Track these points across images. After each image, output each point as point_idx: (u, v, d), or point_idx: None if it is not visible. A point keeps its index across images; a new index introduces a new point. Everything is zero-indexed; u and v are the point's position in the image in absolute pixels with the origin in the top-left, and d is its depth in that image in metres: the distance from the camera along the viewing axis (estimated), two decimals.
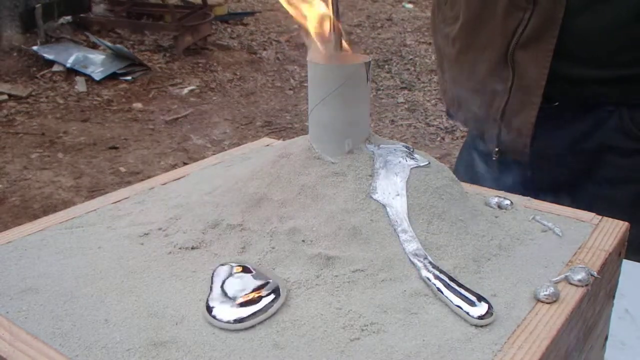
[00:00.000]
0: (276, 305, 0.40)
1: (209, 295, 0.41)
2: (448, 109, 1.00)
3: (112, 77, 4.11)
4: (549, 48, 0.78)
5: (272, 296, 0.41)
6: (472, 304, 0.41)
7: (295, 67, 4.43)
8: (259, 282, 0.42)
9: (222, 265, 0.44)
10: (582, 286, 0.44)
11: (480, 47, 0.85)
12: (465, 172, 0.98)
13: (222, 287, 0.42)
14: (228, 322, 0.39)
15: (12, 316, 0.41)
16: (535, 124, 0.82)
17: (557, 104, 0.83)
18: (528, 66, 0.80)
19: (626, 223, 0.53)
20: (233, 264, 0.44)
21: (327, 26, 0.48)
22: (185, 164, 2.44)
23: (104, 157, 3.05)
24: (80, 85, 3.98)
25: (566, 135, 0.85)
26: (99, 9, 5.23)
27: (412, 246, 0.45)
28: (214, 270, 0.44)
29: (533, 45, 0.79)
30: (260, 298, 0.40)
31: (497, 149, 0.89)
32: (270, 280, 0.42)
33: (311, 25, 0.49)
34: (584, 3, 0.76)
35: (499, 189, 0.60)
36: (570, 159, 0.86)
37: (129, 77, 4.13)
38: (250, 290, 0.41)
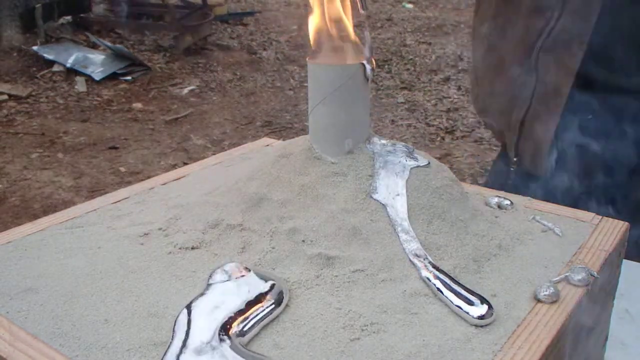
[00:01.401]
0: (277, 312, 0.40)
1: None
2: (478, 114, 0.94)
3: (112, 77, 4.11)
4: (578, 53, 0.71)
5: (273, 306, 0.41)
6: (472, 304, 0.41)
7: (295, 67, 4.43)
8: (262, 288, 0.42)
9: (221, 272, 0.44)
10: (582, 286, 0.44)
11: (504, 48, 0.79)
12: (495, 181, 0.92)
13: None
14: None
15: (12, 316, 0.41)
16: (563, 134, 0.76)
17: (590, 115, 0.76)
18: (552, 72, 0.74)
19: (626, 223, 0.53)
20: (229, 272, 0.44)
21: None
22: (185, 164, 2.44)
23: (104, 157, 3.05)
24: (80, 85, 3.98)
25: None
26: (99, 9, 5.23)
27: (412, 246, 0.45)
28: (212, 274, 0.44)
29: (560, 48, 0.72)
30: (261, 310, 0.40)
31: (515, 159, 0.83)
32: (274, 286, 0.42)
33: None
34: (620, 3, 0.69)
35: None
36: (602, 175, 0.78)
37: (129, 77, 4.13)
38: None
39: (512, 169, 0.84)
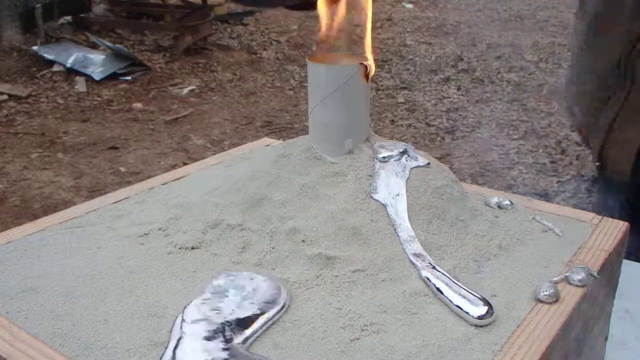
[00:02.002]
0: (277, 312, 0.40)
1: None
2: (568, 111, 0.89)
3: (112, 77, 4.11)
4: None
5: (273, 306, 0.41)
6: (472, 304, 0.41)
7: (295, 67, 4.42)
8: (262, 288, 0.42)
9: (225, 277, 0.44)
10: (582, 286, 0.44)
11: (599, 47, 0.76)
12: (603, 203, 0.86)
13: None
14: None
15: (12, 316, 0.41)
16: None
17: None
18: None
19: (626, 223, 0.53)
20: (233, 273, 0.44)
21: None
22: (185, 164, 2.44)
23: (104, 157, 3.05)
24: (80, 85, 3.98)
25: None
26: (99, 9, 5.22)
27: (412, 246, 0.45)
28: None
29: None
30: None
31: (597, 164, 0.80)
32: (274, 286, 0.42)
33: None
34: None
35: (599, 213, 0.54)
36: None
37: (129, 77, 4.12)
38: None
39: (592, 174, 0.81)
